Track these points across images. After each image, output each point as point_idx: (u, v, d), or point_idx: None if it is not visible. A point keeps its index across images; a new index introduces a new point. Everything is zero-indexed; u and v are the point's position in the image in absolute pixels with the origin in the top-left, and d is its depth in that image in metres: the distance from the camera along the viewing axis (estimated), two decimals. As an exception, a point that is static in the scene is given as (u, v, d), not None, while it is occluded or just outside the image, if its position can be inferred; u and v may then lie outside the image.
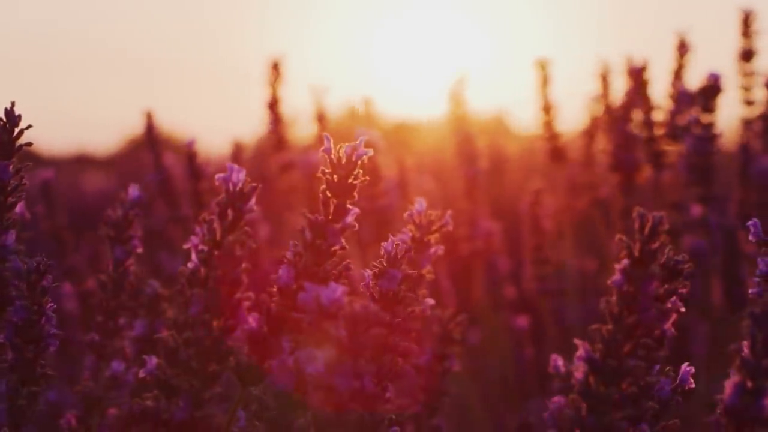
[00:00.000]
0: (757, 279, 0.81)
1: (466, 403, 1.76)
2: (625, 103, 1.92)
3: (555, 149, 2.10)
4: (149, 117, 1.83)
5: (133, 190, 1.06)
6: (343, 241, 0.77)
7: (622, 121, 1.94)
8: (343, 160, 0.77)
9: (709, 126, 1.71)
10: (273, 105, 1.96)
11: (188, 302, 0.75)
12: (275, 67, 1.95)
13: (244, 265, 0.75)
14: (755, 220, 0.83)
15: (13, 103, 0.89)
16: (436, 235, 0.87)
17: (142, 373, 0.77)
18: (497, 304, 2.02)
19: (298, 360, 0.70)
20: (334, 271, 0.76)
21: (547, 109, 2.11)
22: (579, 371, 0.71)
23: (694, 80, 1.79)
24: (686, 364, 0.83)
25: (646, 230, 0.71)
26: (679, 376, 0.83)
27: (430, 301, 0.84)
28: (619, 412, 0.71)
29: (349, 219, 0.77)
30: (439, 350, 1.04)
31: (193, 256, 0.76)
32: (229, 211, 0.76)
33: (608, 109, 2.02)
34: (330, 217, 0.77)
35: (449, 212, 0.88)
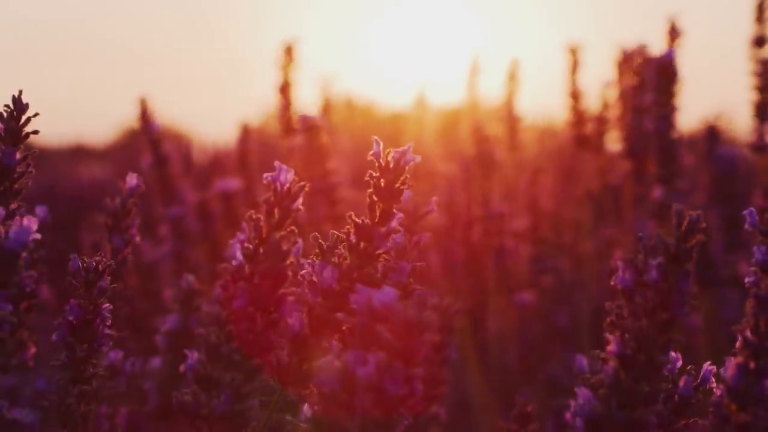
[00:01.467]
0: (752, 268, 0.83)
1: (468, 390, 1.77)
2: (634, 91, 1.95)
3: (581, 136, 2.11)
4: (143, 104, 1.82)
5: (131, 179, 1.06)
6: (388, 244, 0.78)
7: (632, 108, 1.97)
8: (391, 165, 0.78)
9: (666, 106, 1.69)
10: (285, 89, 1.95)
11: (232, 297, 0.76)
12: (288, 51, 1.95)
13: (289, 261, 0.76)
14: (752, 209, 0.84)
15: (20, 91, 0.89)
16: (423, 222, 0.87)
17: (182, 368, 0.78)
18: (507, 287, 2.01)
19: (347, 362, 0.70)
20: (378, 274, 0.77)
21: (575, 95, 2.12)
22: (609, 366, 0.72)
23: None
24: (708, 363, 0.83)
25: (683, 227, 0.71)
26: (701, 374, 0.83)
27: (418, 288, 0.84)
28: (649, 407, 0.72)
29: (394, 223, 0.78)
30: (438, 339, 1.05)
31: (238, 252, 0.77)
32: (276, 210, 0.76)
33: (621, 96, 2.03)
34: (376, 221, 0.78)
35: (435, 198, 0.88)
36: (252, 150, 2.11)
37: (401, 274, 0.79)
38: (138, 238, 1.07)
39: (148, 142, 1.78)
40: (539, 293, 1.91)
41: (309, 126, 1.56)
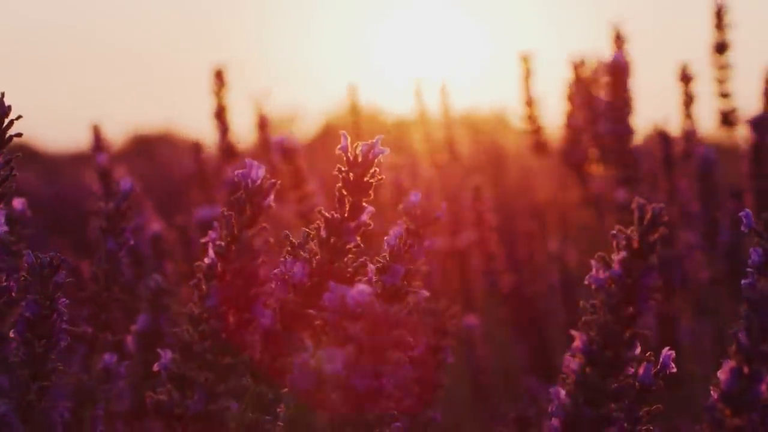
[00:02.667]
0: (749, 269, 0.83)
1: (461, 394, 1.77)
2: (573, 97, 1.96)
3: (538, 143, 2.12)
4: (96, 130, 1.79)
5: (125, 183, 1.06)
6: (358, 238, 0.78)
7: (571, 114, 1.98)
8: (360, 158, 0.78)
9: (621, 107, 1.70)
10: (220, 114, 1.93)
11: (205, 295, 0.76)
12: (219, 75, 1.93)
13: (261, 259, 0.76)
14: (747, 210, 0.84)
15: (2, 94, 0.88)
16: (431, 227, 0.88)
17: (156, 367, 0.77)
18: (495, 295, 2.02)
19: (319, 359, 0.70)
20: (349, 269, 0.77)
21: (529, 102, 2.13)
22: (575, 362, 0.73)
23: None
24: (667, 348, 0.84)
25: (645, 221, 0.71)
26: (661, 360, 0.83)
27: (425, 293, 0.85)
28: (616, 402, 0.72)
29: (365, 217, 0.78)
30: (433, 342, 1.05)
31: (210, 251, 0.77)
32: (248, 207, 0.76)
33: (574, 101, 2.04)
34: (345, 215, 0.78)
35: (443, 204, 0.88)
36: (204, 167, 2.09)
37: (395, 276, 0.79)
38: (132, 242, 1.07)
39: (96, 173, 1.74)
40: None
41: (285, 149, 1.56)
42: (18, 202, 1.02)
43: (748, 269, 0.83)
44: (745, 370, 0.72)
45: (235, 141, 1.95)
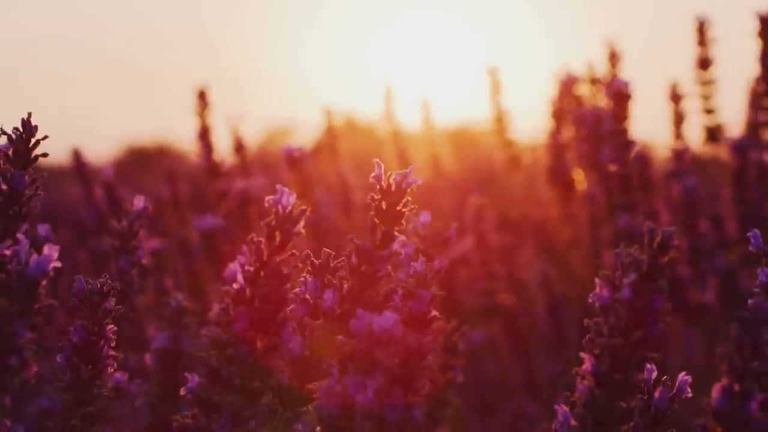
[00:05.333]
0: (756, 290, 0.83)
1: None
2: (559, 114, 1.94)
3: (510, 158, 2.11)
4: (77, 154, 1.79)
5: (138, 201, 1.06)
6: (389, 268, 0.78)
7: (556, 132, 1.97)
8: (393, 188, 0.78)
9: (623, 133, 1.66)
10: (204, 134, 1.91)
11: (232, 320, 0.75)
12: (201, 96, 1.91)
13: (289, 285, 0.76)
14: (755, 230, 0.85)
15: (30, 114, 0.89)
16: (440, 247, 0.88)
17: (183, 391, 0.77)
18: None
19: (346, 386, 0.70)
20: (379, 298, 0.77)
21: (499, 117, 2.12)
22: (584, 385, 0.73)
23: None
24: (683, 373, 0.84)
25: (656, 244, 0.71)
26: (677, 385, 0.84)
27: (434, 313, 0.85)
28: (624, 424, 0.72)
29: (396, 246, 0.78)
30: (443, 361, 1.05)
31: (239, 275, 0.76)
32: (277, 233, 0.76)
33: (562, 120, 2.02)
34: (377, 244, 0.78)
35: (454, 224, 0.88)
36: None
37: (422, 302, 0.78)
38: (145, 260, 1.07)
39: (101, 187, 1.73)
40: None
41: (293, 158, 1.56)
42: (42, 229, 1.03)
43: (755, 289, 0.83)
44: (736, 388, 0.73)
45: (220, 160, 1.93)
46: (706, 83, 1.88)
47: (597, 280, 0.74)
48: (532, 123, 2.12)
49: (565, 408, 0.75)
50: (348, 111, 2.83)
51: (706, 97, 1.89)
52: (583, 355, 0.74)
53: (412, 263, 0.82)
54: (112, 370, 0.84)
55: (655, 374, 0.81)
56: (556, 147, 1.97)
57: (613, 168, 1.68)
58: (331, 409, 0.73)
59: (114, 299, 0.83)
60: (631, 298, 0.71)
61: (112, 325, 0.83)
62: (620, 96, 1.68)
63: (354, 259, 0.78)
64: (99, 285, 0.82)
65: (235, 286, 0.76)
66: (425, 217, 0.89)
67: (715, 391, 0.73)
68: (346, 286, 0.78)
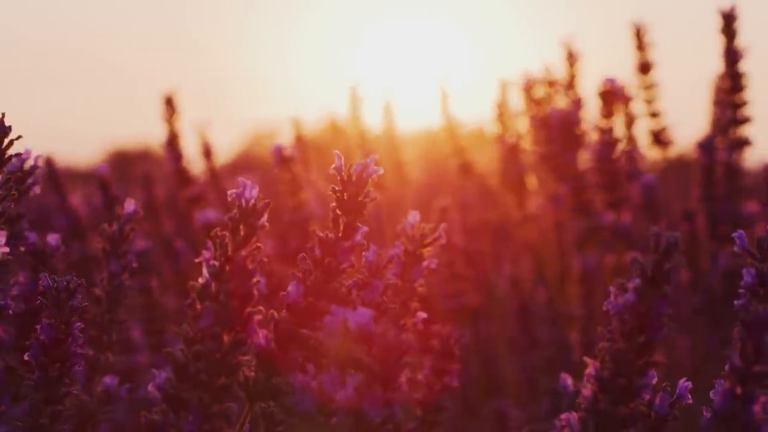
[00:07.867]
0: (742, 290, 0.83)
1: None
2: (505, 117, 1.95)
3: (461, 164, 2.11)
4: (50, 163, 1.80)
5: (129, 205, 1.06)
6: (352, 258, 0.78)
7: (507, 136, 1.98)
8: (354, 178, 0.78)
9: (609, 131, 1.71)
10: (172, 141, 1.90)
11: (198, 316, 0.76)
12: (169, 102, 1.89)
13: (255, 279, 0.76)
14: (740, 231, 0.84)
15: (3, 114, 0.89)
16: (429, 248, 0.87)
17: (150, 387, 0.77)
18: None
19: (322, 383, 0.70)
20: (343, 289, 0.77)
21: (449, 125, 2.11)
22: (587, 389, 0.72)
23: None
24: (684, 379, 0.84)
25: (661, 250, 0.71)
26: (677, 391, 0.84)
27: (422, 314, 0.84)
28: (627, 429, 0.73)
29: (359, 237, 0.78)
30: (438, 366, 1.05)
31: (204, 270, 0.77)
32: (241, 227, 0.76)
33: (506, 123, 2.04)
34: (340, 235, 0.78)
35: (443, 225, 0.88)
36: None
37: (374, 292, 0.78)
38: (135, 264, 1.07)
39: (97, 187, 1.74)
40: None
41: (282, 158, 1.56)
42: (53, 239, 1.03)
43: (740, 290, 0.83)
44: (738, 390, 0.73)
45: (189, 167, 1.93)
46: (648, 87, 1.89)
47: (611, 288, 0.74)
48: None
49: (568, 415, 0.75)
50: (331, 113, 2.81)
51: (649, 101, 1.89)
52: (586, 359, 0.74)
53: (363, 253, 0.82)
54: (80, 368, 0.84)
55: (655, 380, 0.81)
56: (507, 150, 1.98)
57: (594, 166, 1.70)
58: (306, 406, 0.73)
59: (81, 296, 0.83)
60: (635, 303, 0.71)
61: (79, 323, 0.83)
62: (607, 94, 1.69)
63: (317, 251, 0.78)
64: (65, 283, 0.83)
65: (200, 281, 0.77)
66: (413, 217, 0.88)
67: (718, 394, 0.73)
68: (310, 278, 0.77)
